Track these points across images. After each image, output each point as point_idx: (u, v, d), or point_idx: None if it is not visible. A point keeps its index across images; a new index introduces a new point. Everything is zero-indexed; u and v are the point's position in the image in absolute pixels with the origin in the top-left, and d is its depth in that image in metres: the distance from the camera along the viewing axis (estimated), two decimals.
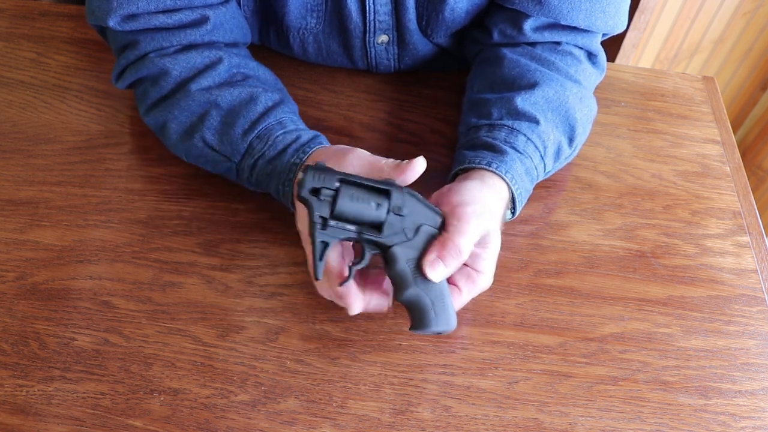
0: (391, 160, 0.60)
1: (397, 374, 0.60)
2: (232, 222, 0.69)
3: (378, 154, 0.77)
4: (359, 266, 0.57)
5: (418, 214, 0.58)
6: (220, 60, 0.69)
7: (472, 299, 0.62)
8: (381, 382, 0.60)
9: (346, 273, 0.57)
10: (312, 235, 0.56)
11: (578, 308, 0.66)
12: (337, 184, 0.56)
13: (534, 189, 0.74)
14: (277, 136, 0.65)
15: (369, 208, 0.56)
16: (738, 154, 0.81)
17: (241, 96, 0.67)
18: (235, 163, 0.67)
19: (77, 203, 0.70)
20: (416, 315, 0.58)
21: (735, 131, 1.87)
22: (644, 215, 0.73)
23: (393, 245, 0.57)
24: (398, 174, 0.58)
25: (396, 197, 0.57)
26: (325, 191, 0.55)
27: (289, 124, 0.67)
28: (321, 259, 0.56)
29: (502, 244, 0.69)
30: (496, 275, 0.67)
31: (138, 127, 0.76)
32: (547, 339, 0.63)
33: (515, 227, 0.71)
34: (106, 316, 0.62)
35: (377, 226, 0.57)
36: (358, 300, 0.58)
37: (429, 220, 0.58)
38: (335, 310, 0.63)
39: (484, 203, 0.60)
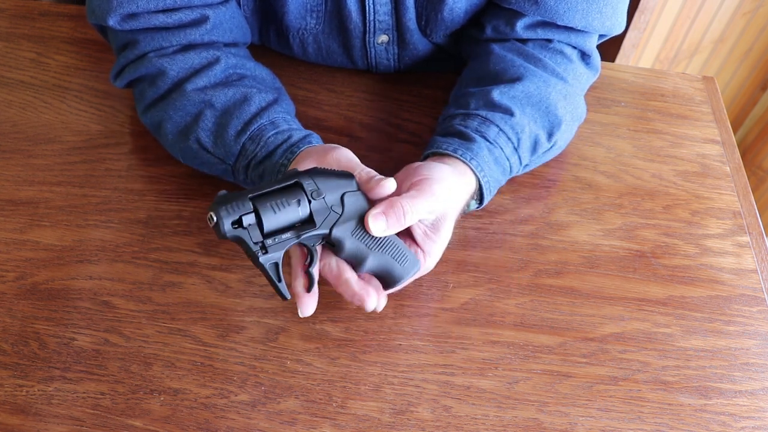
0: (366, 170, 0.59)
1: (397, 374, 0.60)
2: None
3: (378, 154, 0.77)
4: (314, 266, 0.57)
5: (334, 185, 0.57)
6: (217, 60, 0.69)
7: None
8: (381, 382, 0.60)
9: (304, 279, 0.57)
10: (258, 264, 0.54)
11: (578, 308, 0.66)
12: (251, 204, 0.54)
13: (534, 189, 0.74)
14: (269, 137, 0.65)
15: (292, 209, 0.55)
16: (738, 154, 0.81)
17: (235, 96, 0.67)
18: (229, 165, 0.67)
19: (77, 203, 0.70)
20: (385, 276, 0.58)
21: (735, 131, 1.87)
22: (644, 215, 0.73)
23: (331, 229, 0.56)
24: (367, 189, 0.58)
25: (307, 184, 0.56)
26: (245, 218, 0.53)
27: (282, 124, 0.67)
28: (280, 280, 0.55)
29: (502, 243, 0.70)
30: (496, 275, 0.67)
31: (138, 127, 0.76)
32: (547, 339, 0.63)
33: (515, 227, 0.71)
34: (106, 316, 0.62)
35: (308, 220, 0.56)
36: (312, 304, 0.57)
37: (347, 187, 0.58)
38: (335, 310, 0.63)
39: (449, 187, 0.60)
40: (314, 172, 0.57)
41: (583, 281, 0.68)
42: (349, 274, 0.58)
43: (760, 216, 0.75)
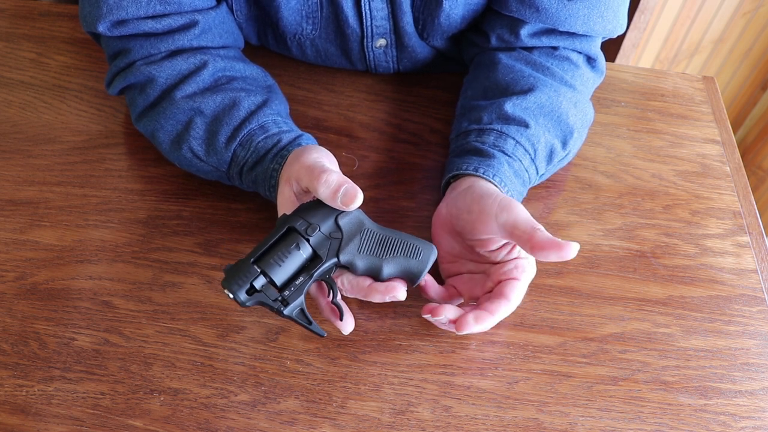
0: (324, 184, 0.56)
1: (397, 374, 0.60)
2: (232, 222, 0.69)
3: (378, 154, 0.77)
4: (338, 297, 0.58)
5: (325, 213, 0.58)
6: (204, 64, 0.68)
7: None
8: (381, 382, 0.60)
9: (333, 310, 0.58)
10: (286, 317, 0.56)
11: (578, 308, 0.66)
12: (256, 268, 0.55)
13: (534, 189, 0.74)
14: (258, 142, 0.65)
15: (294, 254, 0.56)
16: (738, 154, 0.81)
17: (224, 102, 0.66)
18: (223, 171, 0.67)
19: (77, 203, 0.70)
20: (406, 275, 0.59)
21: (735, 131, 1.87)
22: (644, 215, 0.73)
23: (338, 255, 0.57)
24: (332, 203, 0.56)
25: (299, 224, 0.57)
26: (255, 282, 0.55)
27: (271, 127, 0.66)
28: (311, 322, 0.56)
29: None
30: None
31: None
32: (547, 339, 0.63)
33: None
34: (106, 316, 0.62)
35: (314, 257, 0.57)
36: (350, 323, 0.58)
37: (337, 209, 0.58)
38: None
39: (493, 192, 0.60)
40: (301, 210, 0.58)
41: (583, 281, 0.68)
42: (369, 281, 0.58)
43: (760, 216, 0.75)
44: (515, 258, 0.60)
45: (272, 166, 0.63)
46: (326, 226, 0.57)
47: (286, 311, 0.55)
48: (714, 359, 0.63)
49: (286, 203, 0.60)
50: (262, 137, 0.65)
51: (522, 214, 0.57)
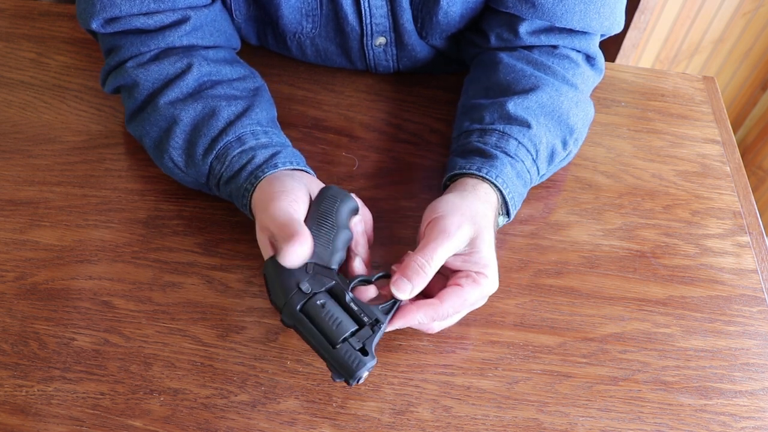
0: (283, 235, 0.56)
1: (397, 374, 0.60)
2: (232, 222, 0.69)
3: (378, 154, 0.77)
4: (372, 282, 0.59)
5: (289, 270, 0.57)
6: (189, 68, 0.68)
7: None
8: (381, 382, 0.60)
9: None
10: (387, 324, 0.57)
11: (578, 308, 0.66)
12: (341, 343, 0.55)
13: (534, 189, 0.74)
14: (233, 157, 0.64)
15: (328, 307, 0.56)
16: (738, 154, 0.81)
17: (204, 111, 0.66)
18: (203, 183, 0.67)
19: (77, 203, 0.70)
20: (354, 215, 0.62)
21: (735, 131, 1.88)
22: (644, 215, 0.73)
23: (330, 267, 0.57)
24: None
25: (298, 300, 0.56)
26: (355, 345, 0.55)
27: (249, 140, 0.65)
28: (394, 303, 0.57)
29: (502, 244, 0.70)
30: None
31: None
32: (547, 339, 0.63)
33: (515, 227, 0.71)
34: (106, 316, 0.62)
35: (334, 289, 0.57)
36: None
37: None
38: None
39: (462, 212, 0.59)
40: (278, 290, 0.57)
41: (583, 281, 0.68)
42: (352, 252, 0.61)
43: (760, 216, 0.75)
44: (469, 270, 0.59)
45: (245, 185, 0.62)
46: (303, 273, 0.57)
47: (384, 324, 0.56)
48: (714, 359, 0.63)
49: (266, 248, 0.59)
50: (238, 151, 0.64)
51: (431, 242, 0.57)
